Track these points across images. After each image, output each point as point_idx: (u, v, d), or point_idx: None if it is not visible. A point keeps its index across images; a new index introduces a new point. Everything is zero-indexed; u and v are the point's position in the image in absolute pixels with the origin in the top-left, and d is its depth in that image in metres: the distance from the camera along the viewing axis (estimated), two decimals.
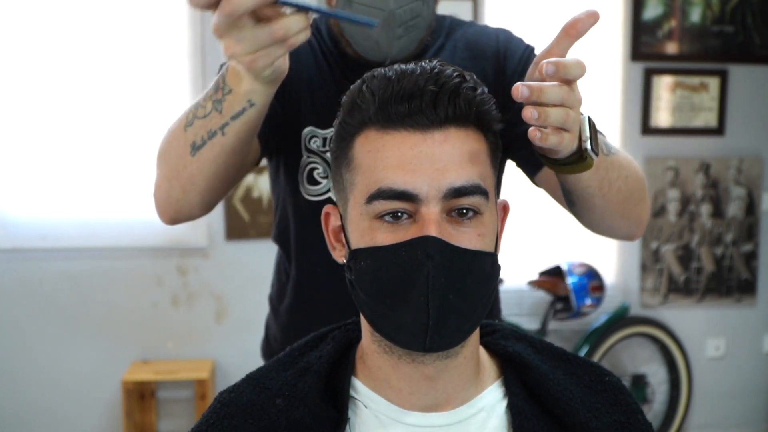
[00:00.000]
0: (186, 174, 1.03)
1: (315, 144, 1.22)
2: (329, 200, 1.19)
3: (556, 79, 0.79)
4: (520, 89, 0.77)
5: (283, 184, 1.29)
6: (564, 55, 0.82)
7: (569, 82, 0.80)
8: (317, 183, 1.21)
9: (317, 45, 1.25)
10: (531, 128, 0.79)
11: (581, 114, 0.85)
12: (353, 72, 1.12)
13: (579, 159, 0.87)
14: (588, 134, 0.85)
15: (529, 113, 0.78)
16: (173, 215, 1.10)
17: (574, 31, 0.81)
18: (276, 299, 1.39)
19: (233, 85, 0.93)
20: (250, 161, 1.16)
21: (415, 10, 1.12)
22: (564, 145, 0.81)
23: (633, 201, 1.09)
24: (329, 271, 1.18)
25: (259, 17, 0.82)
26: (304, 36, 0.83)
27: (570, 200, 1.05)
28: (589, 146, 0.85)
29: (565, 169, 0.89)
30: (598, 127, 0.91)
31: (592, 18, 0.81)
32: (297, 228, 1.28)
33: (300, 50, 1.06)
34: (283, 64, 0.88)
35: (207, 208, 1.10)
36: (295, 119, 1.21)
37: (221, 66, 1.09)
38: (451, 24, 1.29)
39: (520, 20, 3.20)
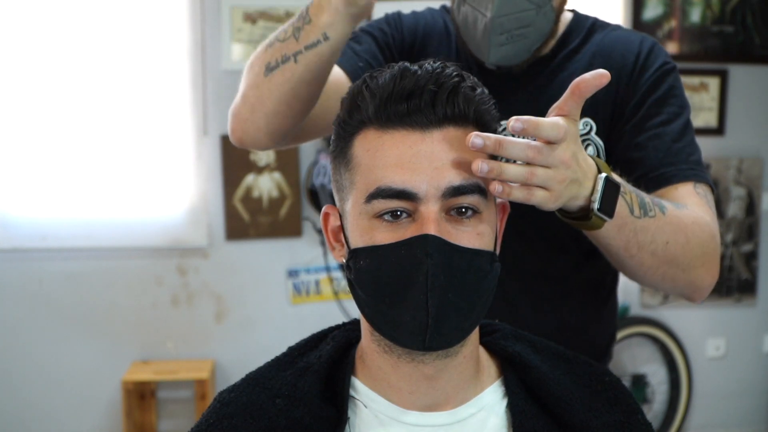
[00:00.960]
0: (257, 93, 1.08)
1: None
2: None
3: (527, 136, 0.76)
4: (473, 141, 0.74)
5: None
6: (574, 114, 0.80)
7: (549, 141, 0.77)
8: None
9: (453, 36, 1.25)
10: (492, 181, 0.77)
11: (596, 174, 0.82)
12: (472, 70, 1.14)
13: (584, 216, 0.85)
14: (599, 195, 0.82)
15: (476, 165, 0.75)
16: (240, 135, 1.14)
17: (578, 90, 0.78)
18: None
19: (313, 16, 1.02)
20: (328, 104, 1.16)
21: (524, 20, 1.09)
22: (539, 202, 0.78)
23: (679, 267, 1.02)
24: None
25: None
26: None
27: (606, 252, 1.00)
28: (596, 207, 0.82)
29: (572, 223, 0.87)
30: (627, 188, 0.89)
31: (600, 79, 0.78)
32: None
33: (435, 34, 1.18)
34: (367, 2, 0.98)
35: (272, 136, 1.13)
36: None
37: None
38: (593, 26, 1.23)
39: None
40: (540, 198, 0.78)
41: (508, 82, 1.17)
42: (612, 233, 0.91)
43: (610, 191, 0.83)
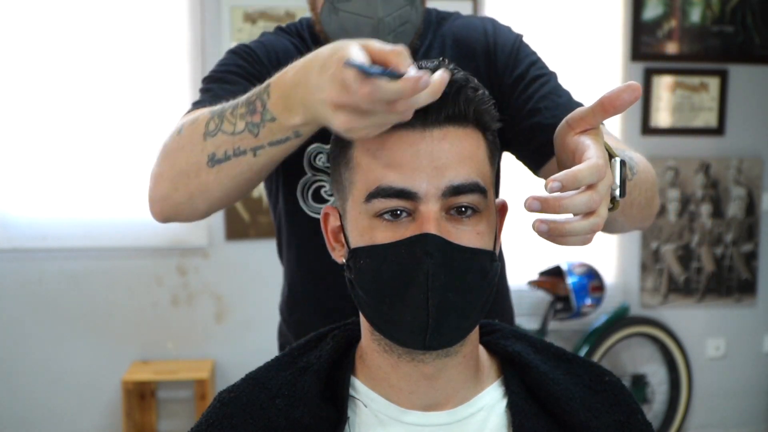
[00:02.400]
0: (197, 182, 0.96)
1: (321, 161, 1.19)
2: None
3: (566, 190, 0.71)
4: (530, 203, 0.69)
5: (282, 204, 1.26)
6: (596, 124, 0.77)
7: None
8: (325, 201, 1.19)
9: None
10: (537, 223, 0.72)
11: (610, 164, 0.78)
12: None
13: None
14: (618, 182, 0.78)
15: (536, 226, 0.71)
16: (168, 215, 1.05)
17: (612, 107, 0.76)
18: (286, 311, 1.38)
19: (279, 115, 0.85)
20: None
21: (404, 16, 1.10)
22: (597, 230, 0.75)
23: (649, 207, 1.07)
24: (332, 283, 1.18)
25: None
26: (411, 113, 0.75)
27: None
28: (618, 194, 0.78)
29: None
30: (629, 165, 0.88)
31: (634, 93, 0.75)
32: (298, 244, 1.26)
33: (290, 56, 1.05)
34: None
35: (208, 215, 1.06)
36: None
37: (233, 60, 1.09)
38: (437, 18, 1.26)
39: (520, 20, 3.21)
40: (598, 228, 0.74)
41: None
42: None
43: (622, 171, 0.80)
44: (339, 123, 0.75)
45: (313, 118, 0.81)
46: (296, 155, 1.11)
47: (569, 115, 0.79)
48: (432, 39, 1.23)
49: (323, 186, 1.21)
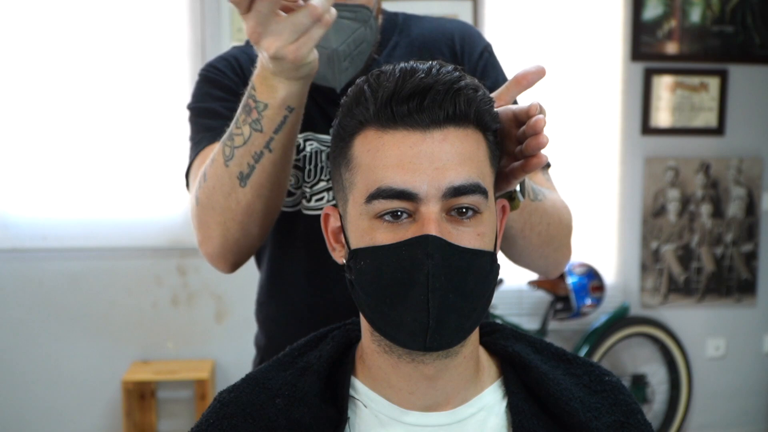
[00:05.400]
0: (241, 207, 1.00)
1: None
2: (300, 212, 1.17)
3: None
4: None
5: None
6: (510, 100, 0.89)
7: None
8: (290, 194, 1.19)
9: None
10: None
11: None
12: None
13: (509, 198, 0.93)
14: (518, 188, 0.92)
15: (536, 108, 0.83)
16: (234, 260, 1.09)
17: (524, 81, 0.87)
18: (258, 310, 1.37)
19: (267, 99, 0.94)
20: None
21: (358, 39, 1.09)
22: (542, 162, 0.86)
23: (553, 246, 1.12)
24: (303, 282, 1.19)
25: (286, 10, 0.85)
26: (333, 13, 0.87)
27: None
28: (518, 188, 0.92)
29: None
30: (535, 190, 1.01)
31: (539, 74, 0.87)
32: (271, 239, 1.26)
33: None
34: (315, 56, 0.91)
35: (264, 236, 1.09)
36: None
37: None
38: (405, 21, 1.26)
39: (520, 19, 3.21)
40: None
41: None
42: (515, 215, 1.01)
43: (522, 183, 0.94)
44: (266, 48, 0.86)
45: (285, 77, 0.91)
46: None
47: (492, 95, 0.87)
48: (398, 39, 1.23)
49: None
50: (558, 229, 1.11)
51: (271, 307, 1.29)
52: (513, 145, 0.87)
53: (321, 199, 1.17)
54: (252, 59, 1.21)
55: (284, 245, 1.21)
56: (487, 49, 1.23)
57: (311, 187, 1.17)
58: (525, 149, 0.83)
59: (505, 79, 1.20)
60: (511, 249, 1.12)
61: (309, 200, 1.17)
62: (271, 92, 0.93)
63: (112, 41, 2.97)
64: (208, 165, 1.03)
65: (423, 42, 1.23)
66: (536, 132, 0.81)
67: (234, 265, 1.11)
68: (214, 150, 1.04)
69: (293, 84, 0.92)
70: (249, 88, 0.96)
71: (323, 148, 1.17)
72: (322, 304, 1.18)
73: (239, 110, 0.98)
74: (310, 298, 1.19)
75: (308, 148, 1.17)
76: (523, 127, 0.84)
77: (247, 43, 1.30)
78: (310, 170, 1.17)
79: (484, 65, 1.21)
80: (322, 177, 1.17)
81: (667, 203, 3.38)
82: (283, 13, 0.85)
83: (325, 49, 1.06)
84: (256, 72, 0.95)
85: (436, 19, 1.29)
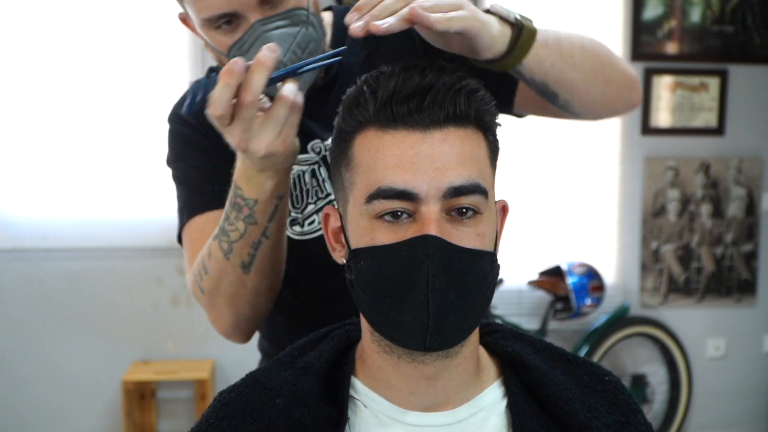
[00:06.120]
0: (248, 290, 1.05)
1: None
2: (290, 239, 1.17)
3: None
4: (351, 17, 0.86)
5: None
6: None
7: None
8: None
9: None
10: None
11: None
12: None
13: (517, 37, 0.93)
14: (510, 13, 0.94)
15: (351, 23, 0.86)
16: (249, 331, 1.14)
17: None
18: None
19: (256, 195, 0.95)
20: None
21: (303, 42, 1.06)
22: (463, 23, 0.86)
23: (605, 63, 1.08)
24: (310, 308, 1.20)
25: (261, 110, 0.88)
26: (302, 96, 0.89)
27: (551, 93, 1.04)
28: (518, 16, 0.94)
29: (511, 59, 0.94)
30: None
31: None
32: None
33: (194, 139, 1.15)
34: (297, 141, 0.94)
35: (271, 306, 1.13)
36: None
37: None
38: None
39: None
40: (464, 17, 0.86)
41: (321, 92, 1.16)
42: (542, 48, 0.97)
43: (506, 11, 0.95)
44: (255, 151, 0.88)
45: (273, 171, 0.93)
46: None
47: None
48: (353, 38, 1.21)
49: None
50: (596, 46, 1.07)
51: (274, 323, 1.28)
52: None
53: (312, 222, 1.17)
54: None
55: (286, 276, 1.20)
56: None
57: (302, 212, 1.16)
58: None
59: None
60: (576, 91, 1.06)
61: (302, 225, 1.17)
62: (259, 188, 0.95)
63: (112, 41, 2.97)
64: (206, 258, 1.06)
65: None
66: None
67: (248, 335, 1.16)
68: (208, 243, 1.06)
69: (281, 173, 0.95)
70: (233, 187, 0.97)
71: (304, 168, 1.16)
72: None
73: (228, 206, 1.00)
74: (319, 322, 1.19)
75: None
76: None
77: (209, 71, 1.29)
78: (297, 196, 1.17)
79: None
80: (309, 200, 1.16)
81: (667, 203, 3.38)
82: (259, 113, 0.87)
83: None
84: (238, 173, 0.96)
85: None
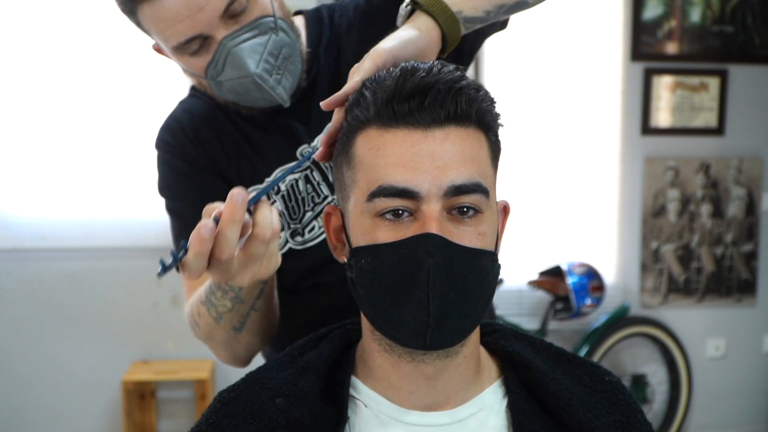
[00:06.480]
0: (242, 345, 1.13)
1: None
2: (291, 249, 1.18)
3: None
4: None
5: None
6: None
7: None
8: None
9: (223, 117, 1.20)
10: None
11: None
12: (257, 121, 1.16)
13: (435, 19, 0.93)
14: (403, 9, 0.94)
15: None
16: (247, 361, 1.20)
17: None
18: None
19: (240, 284, 0.91)
20: None
21: (275, 48, 1.07)
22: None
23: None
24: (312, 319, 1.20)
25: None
26: (278, 221, 0.86)
27: (510, 12, 1.11)
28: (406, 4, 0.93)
29: (452, 39, 0.95)
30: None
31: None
32: None
33: (204, 138, 1.14)
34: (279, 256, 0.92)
35: (270, 340, 1.18)
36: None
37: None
38: (329, 13, 1.22)
39: (520, 19, 3.20)
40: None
41: (306, 96, 1.16)
42: (461, 12, 0.96)
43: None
44: (239, 281, 0.87)
45: (255, 283, 0.96)
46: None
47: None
48: (329, 36, 1.20)
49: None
50: None
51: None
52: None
53: (312, 228, 1.17)
54: (191, 112, 1.24)
55: (289, 287, 1.21)
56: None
57: (300, 221, 1.16)
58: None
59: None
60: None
61: (303, 234, 1.17)
62: (239, 280, 0.93)
63: (112, 41, 2.96)
64: (196, 316, 1.10)
65: (358, 23, 1.19)
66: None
67: (247, 363, 1.21)
68: (198, 307, 1.09)
69: (257, 281, 0.95)
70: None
71: (296, 176, 1.16)
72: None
73: (214, 287, 1.01)
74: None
75: (282, 187, 1.16)
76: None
77: (191, 89, 1.30)
78: (293, 207, 1.16)
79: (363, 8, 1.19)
80: (306, 208, 1.16)
81: (667, 203, 3.38)
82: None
83: (246, 78, 1.06)
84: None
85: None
